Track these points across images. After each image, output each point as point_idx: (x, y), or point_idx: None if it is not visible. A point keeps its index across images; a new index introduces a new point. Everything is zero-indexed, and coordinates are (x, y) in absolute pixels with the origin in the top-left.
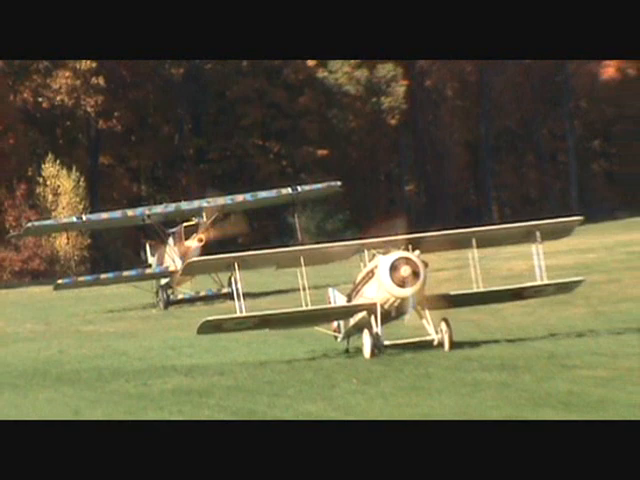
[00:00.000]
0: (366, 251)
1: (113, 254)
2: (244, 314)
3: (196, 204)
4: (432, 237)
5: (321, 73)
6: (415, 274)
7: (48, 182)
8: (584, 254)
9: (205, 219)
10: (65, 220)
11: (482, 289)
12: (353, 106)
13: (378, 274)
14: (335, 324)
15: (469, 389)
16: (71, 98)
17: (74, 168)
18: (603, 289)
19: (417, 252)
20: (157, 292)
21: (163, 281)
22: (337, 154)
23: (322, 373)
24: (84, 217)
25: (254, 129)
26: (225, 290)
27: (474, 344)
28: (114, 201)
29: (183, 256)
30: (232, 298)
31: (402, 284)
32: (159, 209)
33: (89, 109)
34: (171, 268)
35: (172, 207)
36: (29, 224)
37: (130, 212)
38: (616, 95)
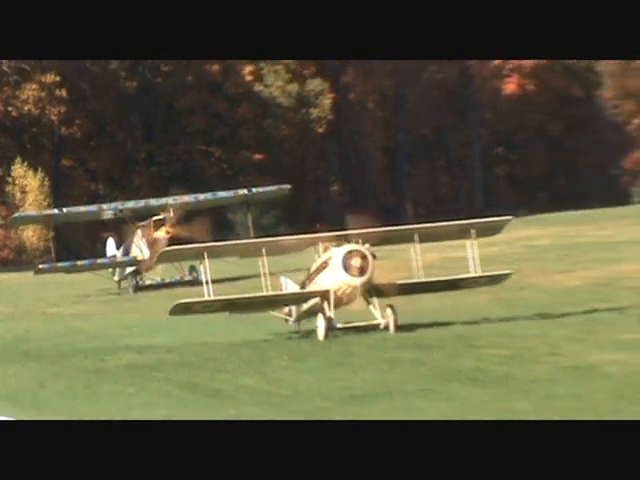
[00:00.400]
0: (320, 244)
1: (74, 245)
2: (211, 298)
3: (164, 201)
4: (380, 232)
5: (257, 87)
6: (364, 266)
7: (17, 182)
8: (488, 247)
9: (172, 214)
10: (47, 212)
11: (425, 279)
12: (285, 116)
13: (332, 264)
14: (287, 309)
15: (387, 365)
16: (37, 108)
17: (39, 169)
18: None
19: (367, 245)
20: (118, 279)
21: (129, 269)
22: (271, 158)
23: (257, 351)
24: (65, 210)
25: (198, 136)
26: (187, 277)
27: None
28: (75, 198)
29: (151, 246)
30: (193, 285)
31: (353, 273)
32: (131, 204)
33: (53, 117)
34: (139, 257)
35: (142, 203)
36: (16, 214)
37: (105, 206)
38: (517, 108)
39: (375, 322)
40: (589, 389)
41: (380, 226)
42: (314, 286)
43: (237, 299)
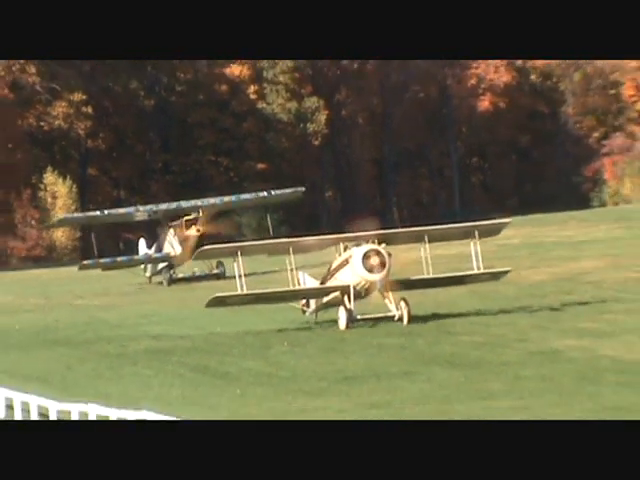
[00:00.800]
0: (341, 243)
1: (98, 245)
2: (244, 292)
3: (193, 203)
4: (394, 233)
5: (260, 104)
6: (382, 263)
7: (48, 188)
8: (464, 247)
9: (201, 214)
10: (90, 213)
11: (434, 275)
12: (285, 130)
13: (352, 262)
14: (304, 301)
15: (375, 350)
16: (66, 123)
17: (68, 177)
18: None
19: (383, 245)
20: (150, 275)
21: (161, 265)
22: (273, 168)
23: (260, 338)
24: (106, 211)
25: (208, 148)
26: (215, 271)
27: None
28: (99, 203)
29: (183, 243)
30: (219, 278)
31: (372, 271)
32: (164, 206)
33: (80, 131)
34: (172, 254)
35: (174, 205)
36: (62, 216)
37: (141, 208)
38: (489, 123)
39: (390, 314)
40: (553, 371)
41: (373, 228)
42: (335, 281)
43: (266, 293)
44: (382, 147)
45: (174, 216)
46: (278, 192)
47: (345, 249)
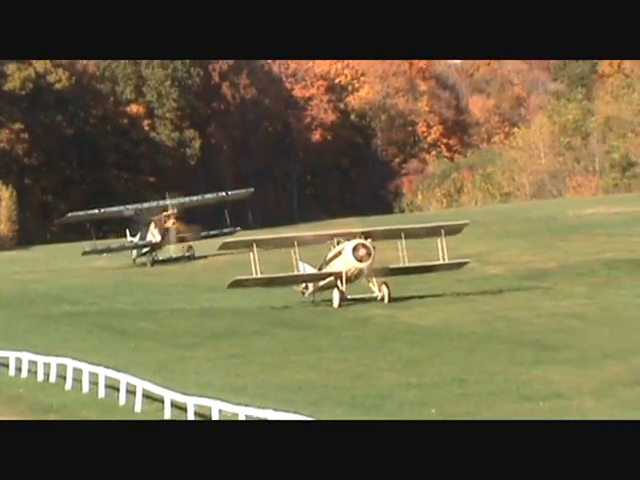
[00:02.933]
0: (335, 239)
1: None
2: (258, 276)
3: (168, 202)
4: (378, 231)
5: (152, 134)
6: (368, 254)
7: None
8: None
9: (174, 211)
10: (90, 211)
11: (409, 265)
12: (170, 153)
13: (344, 253)
14: (303, 285)
15: (235, 315)
16: (9, 145)
17: (10, 185)
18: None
19: (369, 240)
20: (134, 258)
21: (145, 249)
22: (160, 181)
23: (153, 305)
24: (102, 210)
25: (113, 165)
26: (187, 253)
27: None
28: (32, 205)
29: (162, 233)
30: (190, 259)
31: (360, 260)
32: (146, 205)
33: (19, 151)
34: (153, 241)
35: (154, 203)
36: (69, 214)
37: (129, 207)
38: (320, 150)
39: (374, 295)
40: (365, 332)
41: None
42: (330, 268)
43: (276, 277)
44: (241, 167)
45: (154, 212)
46: (234, 192)
47: (338, 243)
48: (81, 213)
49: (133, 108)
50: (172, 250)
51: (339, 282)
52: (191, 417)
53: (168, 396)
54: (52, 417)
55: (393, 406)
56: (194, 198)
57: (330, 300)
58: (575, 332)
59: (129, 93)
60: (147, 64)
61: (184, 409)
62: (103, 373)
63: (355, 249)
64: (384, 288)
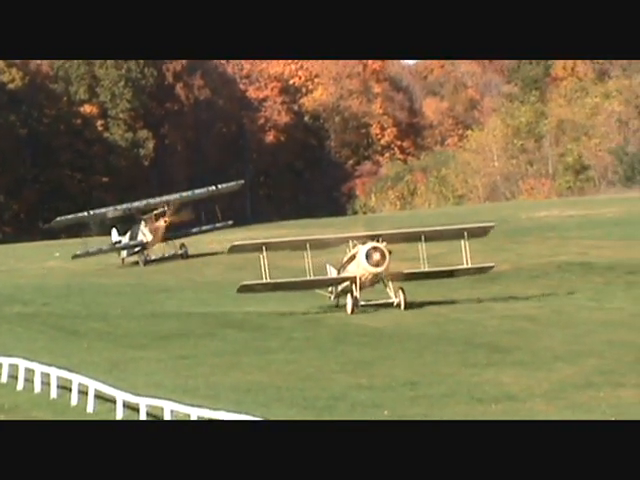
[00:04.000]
0: (350, 241)
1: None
2: (267, 281)
3: (158, 200)
4: (395, 234)
5: (106, 134)
6: (383, 258)
7: None
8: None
9: (167, 208)
10: (80, 214)
11: (428, 269)
12: (123, 154)
13: (358, 257)
14: (330, 288)
15: (185, 316)
16: None
17: None
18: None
19: (384, 243)
20: (122, 258)
21: (136, 249)
22: (114, 181)
23: (102, 305)
24: (92, 212)
25: (66, 165)
26: (180, 252)
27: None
28: None
29: (154, 232)
30: (183, 257)
31: (374, 265)
32: (136, 204)
33: None
34: (144, 240)
35: (144, 202)
36: (58, 218)
37: (118, 207)
38: (273, 151)
39: (390, 301)
40: (316, 333)
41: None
42: (346, 273)
43: (285, 282)
44: (195, 167)
45: (143, 211)
46: (224, 185)
47: (353, 246)
48: (70, 217)
49: (87, 108)
50: (164, 249)
51: (353, 287)
52: (143, 417)
53: (120, 397)
54: (3, 417)
55: (346, 408)
56: (184, 194)
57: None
58: (527, 334)
59: (83, 93)
60: (101, 64)
61: (136, 409)
62: (55, 373)
63: (369, 253)
64: (400, 294)
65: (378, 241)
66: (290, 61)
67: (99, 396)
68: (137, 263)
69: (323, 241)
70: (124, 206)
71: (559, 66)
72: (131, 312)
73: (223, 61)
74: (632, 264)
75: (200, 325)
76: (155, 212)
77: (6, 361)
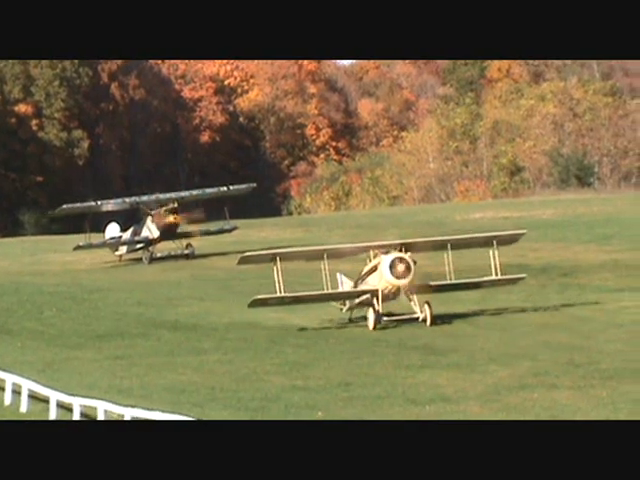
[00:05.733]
0: (371, 251)
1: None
2: (283, 294)
3: (168, 195)
4: (420, 242)
5: (40, 134)
6: (408, 269)
7: None
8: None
9: (175, 205)
10: (86, 204)
11: (456, 281)
12: (58, 153)
13: (381, 269)
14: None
15: (120, 316)
16: None
17: None
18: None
19: (409, 253)
20: (120, 254)
21: (138, 246)
22: (48, 181)
23: (36, 305)
24: (98, 202)
25: (0, 165)
26: (186, 251)
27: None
28: None
29: (162, 228)
30: (188, 257)
31: (398, 277)
32: (145, 198)
33: None
34: (150, 237)
35: (153, 197)
36: (64, 206)
37: (127, 199)
38: (208, 151)
39: (414, 315)
40: (252, 334)
41: None
42: (365, 285)
43: (302, 296)
44: (129, 167)
45: (152, 206)
46: (236, 187)
47: (375, 256)
48: (77, 205)
49: (21, 107)
50: (171, 247)
51: (375, 301)
52: (77, 417)
53: (54, 396)
54: None
55: (279, 409)
56: (194, 192)
57: (364, 318)
58: (464, 336)
59: (17, 92)
60: (35, 64)
61: (70, 409)
62: None
63: (393, 264)
64: (426, 308)
65: (401, 250)
66: (225, 62)
67: (32, 396)
68: (139, 260)
69: (341, 251)
70: (132, 199)
71: (494, 68)
72: (66, 311)
73: (158, 61)
74: (566, 266)
75: (135, 325)
76: (164, 208)
77: None
